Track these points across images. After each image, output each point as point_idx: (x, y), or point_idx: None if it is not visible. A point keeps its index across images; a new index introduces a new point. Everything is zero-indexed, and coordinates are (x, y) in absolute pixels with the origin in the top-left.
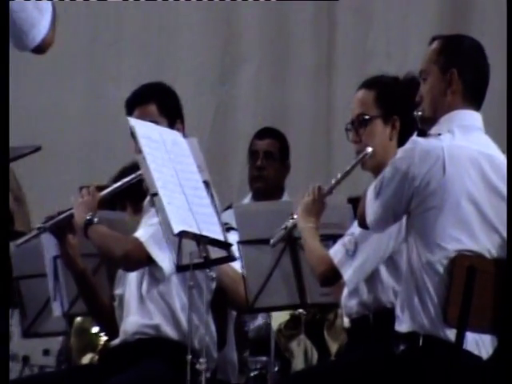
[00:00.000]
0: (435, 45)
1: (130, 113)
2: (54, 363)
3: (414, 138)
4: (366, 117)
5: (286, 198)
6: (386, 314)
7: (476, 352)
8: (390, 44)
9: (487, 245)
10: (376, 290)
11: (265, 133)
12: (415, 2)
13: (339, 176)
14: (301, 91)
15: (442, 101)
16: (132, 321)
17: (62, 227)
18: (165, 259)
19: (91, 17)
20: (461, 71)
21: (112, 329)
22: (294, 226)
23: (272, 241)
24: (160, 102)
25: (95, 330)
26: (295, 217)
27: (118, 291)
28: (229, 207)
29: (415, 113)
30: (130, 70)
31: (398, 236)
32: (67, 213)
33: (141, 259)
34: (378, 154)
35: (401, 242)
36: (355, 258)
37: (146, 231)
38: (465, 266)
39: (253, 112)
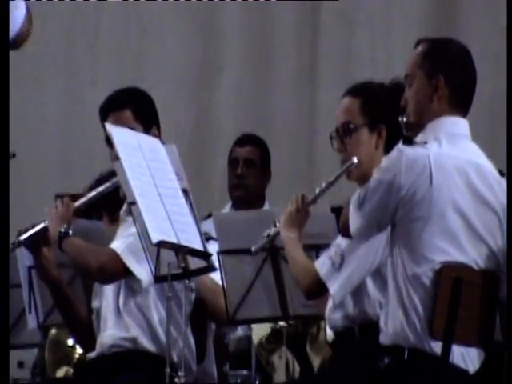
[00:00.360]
0: (421, 48)
1: (103, 119)
2: (29, 376)
3: (400, 146)
4: (352, 126)
5: (267, 206)
6: (372, 327)
7: (462, 365)
8: (374, 48)
9: (474, 256)
10: (362, 303)
11: (245, 140)
12: (399, 5)
13: (323, 185)
14: (283, 96)
15: (427, 107)
16: (109, 334)
17: (36, 240)
18: (143, 271)
19: (68, 19)
20: (447, 76)
21: (88, 341)
22: (277, 234)
23: (253, 248)
24: (135, 107)
25: (70, 342)
26: (278, 225)
27: (95, 304)
28: (208, 216)
29: (400, 119)
30: (109, 73)
31: (386, 248)
32: (41, 225)
33: (117, 271)
34: (363, 164)
35: (388, 254)
36: (342, 270)
37: (122, 242)
38: (451, 276)
39: (234, 118)
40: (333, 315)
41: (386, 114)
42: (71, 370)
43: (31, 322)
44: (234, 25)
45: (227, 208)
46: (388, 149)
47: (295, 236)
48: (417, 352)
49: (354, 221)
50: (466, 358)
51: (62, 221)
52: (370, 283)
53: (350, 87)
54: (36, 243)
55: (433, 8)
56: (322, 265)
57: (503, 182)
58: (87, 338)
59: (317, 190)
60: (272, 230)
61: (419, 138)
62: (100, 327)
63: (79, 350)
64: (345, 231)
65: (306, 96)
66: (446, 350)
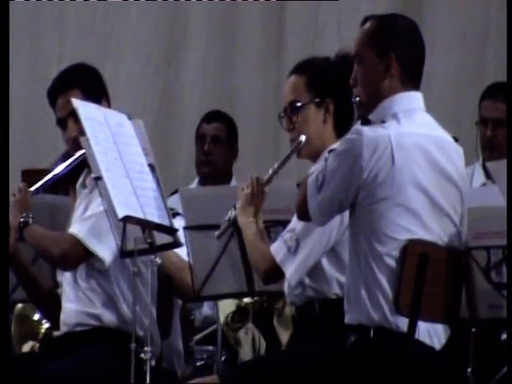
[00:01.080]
0: (369, 26)
1: (52, 102)
2: None
3: (358, 127)
4: (298, 104)
5: (234, 182)
6: (332, 305)
7: (428, 342)
8: (340, 26)
9: (439, 232)
10: (319, 282)
11: (213, 116)
12: None
13: (276, 166)
14: (249, 74)
15: (380, 85)
16: (70, 309)
17: None
18: (105, 250)
19: None
20: (398, 53)
21: (54, 316)
22: (236, 217)
23: (216, 233)
24: (83, 85)
25: (36, 317)
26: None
27: (59, 278)
28: (175, 192)
29: (353, 99)
30: (74, 49)
31: (340, 227)
32: None
33: (79, 257)
34: (312, 141)
35: (343, 233)
36: (297, 254)
37: (82, 226)
38: (417, 253)
39: (200, 94)
40: (292, 292)
41: (333, 88)
42: (37, 345)
43: None
44: (200, 1)
45: (194, 184)
46: (337, 122)
47: (252, 220)
48: (382, 330)
49: (314, 204)
50: (432, 334)
51: (21, 208)
52: (325, 262)
53: (295, 65)
54: None
55: None
56: (277, 250)
57: (460, 150)
58: (52, 312)
59: (270, 171)
60: (232, 214)
61: (374, 115)
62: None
63: (45, 325)
64: (302, 215)
65: (273, 72)
66: (412, 326)
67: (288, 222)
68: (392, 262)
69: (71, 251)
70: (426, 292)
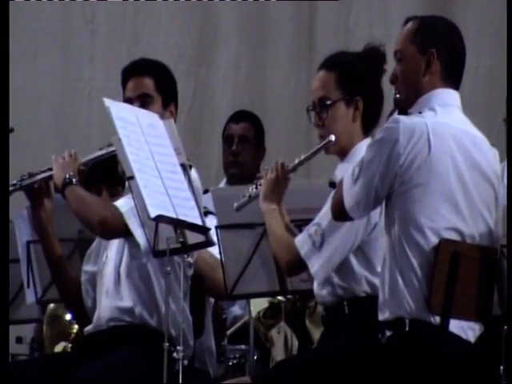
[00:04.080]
0: (411, 25)
1: (124, 82)
2: (27, 351)
3: (396, 116)
4: (328, 102)
5: None
6: (361, 303)
7: (463, 335)
8: (371, 25)
9: (471, 225)
10: (349, 281)
11: (239, 116)
12: None
13: (302, 157)
14: (280, 74)
15: (420, 81)
16: (107, 305)
17: (38, 188)
18: (142, 236)
19: None
20: (439, 51)
21: (83, 315)
22: (257, 196)
23: (235, 205)
24: (157, 77)
25: (68, 317)
26: (259, 187)
27: (88, 267)
28: (205, 192)
29: (394, 96)
30: (105, 51)
31: (367, 226)
32: (45, 174)
33: (118, 228)
34: (341, 139)
35: (370, 232)
36: (322, 250)
37: (126, 202)
38: (449, 251)
39: (231, 94)
40: (320, 292)
41: (362, 84)
42: (69, 346)
43: (29, 297)
44: (231, 2)
45: (222, 184)
46: (366, 119)
47: (275, 207)
48: (418, 323)
49: (351, 196)
50: (466, 327)
51: (68, 169)
52: (353, 261)
53: (325, 59)
54: (37, 191)
55: None
56: (302, 243)
57: (495, 152)
58: (81, 310)
59: (296, 160)
60: (253, 191)
61: (413, 110)
62: (92, 294)
63: (77, 326)
64: (338, 214)
65: (304, 72)
66: (445, 325)
67: None
68: (427, 248)
69: (111, 220)
70: (458, 290)
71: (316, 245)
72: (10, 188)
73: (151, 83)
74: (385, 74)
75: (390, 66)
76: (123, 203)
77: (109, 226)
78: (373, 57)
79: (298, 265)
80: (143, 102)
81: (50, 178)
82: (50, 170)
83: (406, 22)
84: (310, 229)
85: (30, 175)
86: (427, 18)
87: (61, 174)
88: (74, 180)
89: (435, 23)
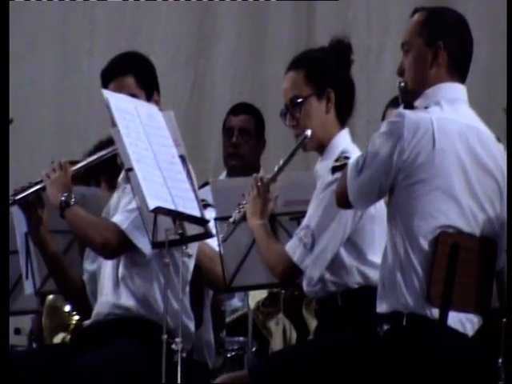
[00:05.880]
0: (419, 16)
1: (105, 84)
2: (26, 342)
3: (401, 110)
4: (300, 99)
5: None
6: (354, 295)
7: (461, 329)
8: (370, 18)
9: (472, 221)
10: (340, 275)
11: (240, 109)
12: None
13: (281, 163)
14: (280, 65)
15: (426, 73)
16: (106, 301)
17: (31, 201)
18: (146, 243)
19: None
20: (446, 43)
21: (84, 308)
22: (241, 220)
23: (222, 236)
24: (137, 73)
25: (67, 308)
26: (242, 210)
27: (88, 266)
28: (205, 184)
29: (398, 84)
30: (104, 42)
31: (355, 217)
32: (37, 186)
33: (120, 247)
34: (317, 133)
35: (357, 222)
36: (314, 250)
37: (125, 217)
38: (448, 243)
39: (230, 86)
40: (312, 289)
41: (332, 77)
42: (68, 337)
43: (28, 288)
44: None
45: (222, 176)
46: (339, 109)
47: (262, 223)
48: (415, 317)
49: (354, 187)
50: (464, 320)
51: (62, 187)
52: (343, 252)
53: (291, 60)
54: (31, 204)
55: None
56: (294, 248)
57: (501, 148)
58: (82, 304)
59: (275, 168)
60: (237, 216)
61: (418, 102)
62: (97, 293)
63: (76, 317)
64: (342, 202)
65: None
66: (444, 317)
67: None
68: (426, 246)
69: (113, 241)
70: (458, 282)
71: (307, 246)
72: None
73: (132, 81)
74: (353, 64)
75: (389, 57)
76: (122, 219)
77: (111, 247)
78: (339, 49)
79: (292, 272)
80: None
81: (43, 189)
82: (42, 181)
83: (414, 13)
84: (300, 233)
85: (23, 189)
86: (435, 9)
87: (57, 196)
88: (71, 201)
89: (443, 15)
